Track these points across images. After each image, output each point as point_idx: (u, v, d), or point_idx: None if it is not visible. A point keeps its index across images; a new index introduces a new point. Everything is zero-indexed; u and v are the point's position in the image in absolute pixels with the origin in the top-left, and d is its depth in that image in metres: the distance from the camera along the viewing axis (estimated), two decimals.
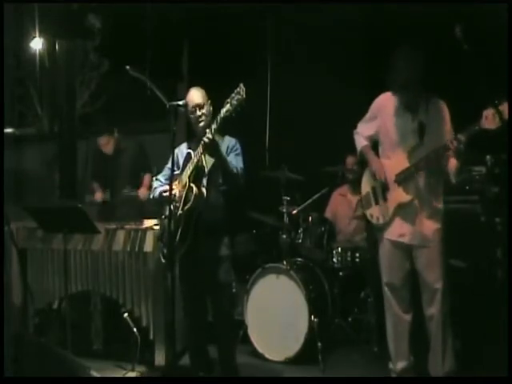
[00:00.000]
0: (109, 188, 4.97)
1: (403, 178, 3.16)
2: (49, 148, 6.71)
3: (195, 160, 3.25)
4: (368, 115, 3.46)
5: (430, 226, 3.16)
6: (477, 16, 3.83)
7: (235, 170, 3.27)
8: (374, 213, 3.32)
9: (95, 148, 4.97)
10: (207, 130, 3.19)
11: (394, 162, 3.23)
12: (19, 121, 7.22)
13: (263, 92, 5.49)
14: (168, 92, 3.21)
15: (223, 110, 3.09)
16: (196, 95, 3.39)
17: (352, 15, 4.89)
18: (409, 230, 3.17)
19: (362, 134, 3.46)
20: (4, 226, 3.49)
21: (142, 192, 4.70)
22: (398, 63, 3.16)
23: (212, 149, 3.18)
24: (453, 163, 3.09)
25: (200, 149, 3.22)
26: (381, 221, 3.27)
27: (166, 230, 3.17)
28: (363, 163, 3.55)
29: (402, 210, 3.19)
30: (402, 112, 3.25)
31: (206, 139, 3.14)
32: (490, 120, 2.74)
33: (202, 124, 3.35)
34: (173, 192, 3.24)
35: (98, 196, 4.97)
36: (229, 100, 3.06)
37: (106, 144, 4.79)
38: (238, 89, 3.04)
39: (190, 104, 3.35)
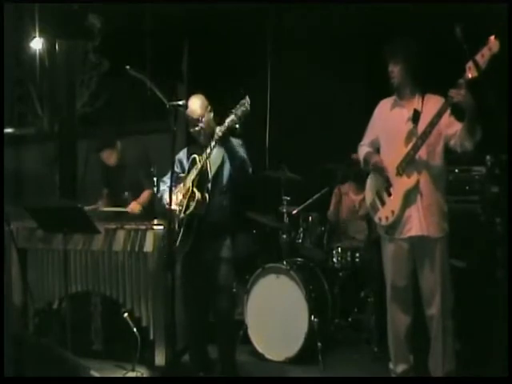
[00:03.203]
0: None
1: (404, 166, 3.14)
2: (49, 148, 6.70)
3: (199, 165, 3.27)
4: (369, 125, 3.48)
5: (436, 214, 3.15)
6: (477, 16, 3.83)
7: (244, 156, 3.29)
8: (382, 214, 3.26)
9: (100, 159, 4.74)
10: (218, 128, 3.21)
11: (393, 155, 3.22)
12: (19, 121, 7.22)
13: (263, 92, 5.49)
14: (168, 92, 3.21)
15: (228, 120, 3.12)
16: (194, 107, 3.35)
17: (352, 15, 4.90)
18: (415, 221, 3.14)
19: (364, 143, 3.47)
20: (4, 226, 3.50)
21: (132, 207, 4.39)
22: (389, 64, 3.21)
23: (223, 141, 3.19)
24: (456, 127, 3.06)
25: (205, 155, 3.24)
26: (390, 219, 3.20)
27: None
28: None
29: (408, 198, 3.14)
30: (399, 105, 3.28)
31: (217, 136, 3.17)
32: (471, 70, 2.81)
33: (202, 137, 3.37)
34: (178, 195, 3.27)
35: (102, 203, 4.66)
36: (234, 110, 3.10)
37: (109, 157, 4.59)
38: (243, 100, 3.09)
39: (190, 116, 3.36)
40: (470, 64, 2.81)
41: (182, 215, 3.26)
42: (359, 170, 4.32)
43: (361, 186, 4.53)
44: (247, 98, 3.08)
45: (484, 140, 3.02)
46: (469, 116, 2.94)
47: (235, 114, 3.08)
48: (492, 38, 2.77)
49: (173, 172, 3.13)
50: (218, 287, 3.35)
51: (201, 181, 3.28)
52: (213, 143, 3.22)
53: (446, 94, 3.14)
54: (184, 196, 3.29)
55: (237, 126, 3.10)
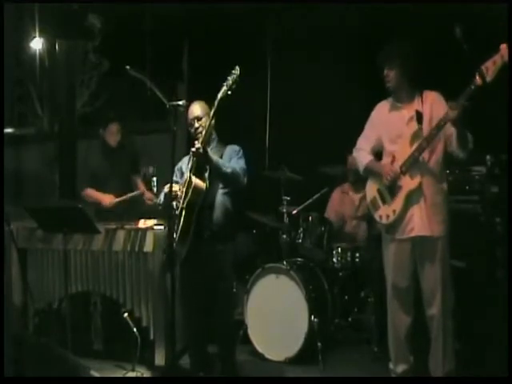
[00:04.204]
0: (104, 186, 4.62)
1: (408, 166, 3.14)
2: (49, 148, 6.71)
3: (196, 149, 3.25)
4: (367, 127, 3.45)
5: (438, 214, 3.15)
6: (477, 16, 3.83)
7: (230, 170, 3.28)
8: (383, 212, 3.26)
9: (101, 139, 4.66)
10: (195, 142, 3.25)
11: (397, 154, 3.22)
12: (19, 121, 7.23)
13: (263, 91, 5.49)
14: (168, 92, 3.21)
15: (219, 94, 3.16)
16: (195, 108, 3.40)
17: (352, 14, 4.90)
18: (418, 221, 3.14)
19: (365, 148, 3.43)
20: (4, 226, 3.50)
21: (108, 200, 4.47)
22: (383, 67, 3.22)
23: (202, 158, 3.21)
24: (454, 134, 3.05)
25: (200, 135, 3.27)
26: (391, 218, 3.21)
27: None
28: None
29: (410, 199, 3.15)
30: (397, 107, 3.28)
31: (193, 149, 3.20)
32: (481, 77, 2.79)
33: (199, 136, 3.36)
34: (177, 192, 3.27)
35: (107, 199, 4.45)
36: (224, 83, 3.15)
37: (115, 133, 4.56)
38: (234, 71, 3.15)
39: (189, 117, 3.40)
40: (480, 70, 2.79)
41: (182, 206, 3.25)
42: (357, 173, 4.32)
43: (360, 185, 4.54)
44: (237, 67, 3.14)
45: (484, 140, 3.03)
46: (458, 127, 2.97)
47: (226, 85, 3.14)
48: (504, 45, 2.75)
49: (172, 172, 3.14)
50: (217, 284, 3.35)
51: (198, 169, 3.27)
52: (207, 122, 3.24)
53: (446, 92, 3.15)
54: (182, 189, 3.30)
55: (229, 92, 3.14)
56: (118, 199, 4.42)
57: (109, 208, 4.43)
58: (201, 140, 3.24)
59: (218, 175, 3.28)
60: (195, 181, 3.23)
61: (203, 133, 3.27)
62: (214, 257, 3.32)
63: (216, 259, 3.33)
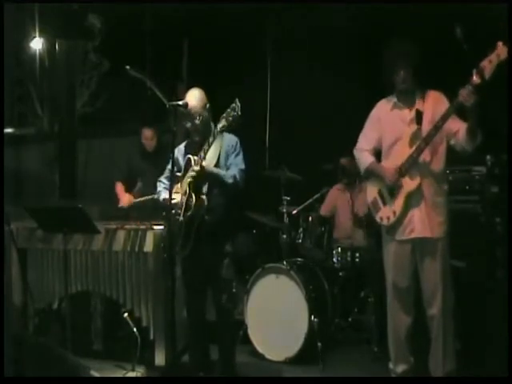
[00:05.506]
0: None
1: (407, 167, 3.14)
2: (49, 148, 6.72)
3: (195, 168, 3.24)
4: (367, 127, 3.44)
5: (438, 215, 3.14)
6: (477, 16, 3.83)
7: (230, 181, 3.28)
8: (384, 214, 3.25)
9: (138, 144, 4.68)
10: (195, 159, 3.24)
11: (397, 155, 3.22)
12: (19, 121, 7.23)
13: (263, 91, 5.50)
14: (168, 92, 3.21)
15: (219, 125, 3.15)
16: (193, 104, 3.30)
17: (352, 14, 4.90)
18: (418, 222, 3.14)
19: (366, 148, 3.41)
20: (4, 226, 3.50)
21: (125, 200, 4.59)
22: (387, 64, 3.20)
23: (202, 176, 3.21)
24: (462, 129, 3.03)
25: (200, 158, 3.24)
26: (391, 219, 3.20)
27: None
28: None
29: (410, 200, 3.14)
30: (399, 107, 3.27)
31: (193, 172, 3.20)
32: (479, 75, 2.78)
33: (196, 134, 3.36)
34: (175, 197, 3.26)
35: (125, 200, 4.60)
36: (225, 115, 3.13)
37: (150, 139, 4.52)
38: (234, 105, 3.10)
39: (186, 111, 3.32)
40: (477, 69, 2.79)
41: (181, 218, 3.26)
42: (352, 171, 4.30)
43: (353, 185, 4.56)
44: (237, 101, 3.10)
45: (484, 140, 3.03)
46: (472, 119, 2.94)
47: (226, 120, 3.12)
48: (500, 43, 2.75)
49: (172, 171, 3.13)
50: (217, 281, 3.35)
51: (197, 184, 3.28)
52: (206, 147, 3.24)
53: (446, 92, 3.14)
54: (181, 199, 3.30)
55: (229, 129, 3.15)
56: (135, 200, 4.53)
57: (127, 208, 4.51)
58: (201, 162, 3.22)
59: (218, 185, 3.30)
60: (196, 198, 3.23)
61: (202, 155, 3.24)
62: (214, 251, 3.33)
63: (216, 253, 3.33)
